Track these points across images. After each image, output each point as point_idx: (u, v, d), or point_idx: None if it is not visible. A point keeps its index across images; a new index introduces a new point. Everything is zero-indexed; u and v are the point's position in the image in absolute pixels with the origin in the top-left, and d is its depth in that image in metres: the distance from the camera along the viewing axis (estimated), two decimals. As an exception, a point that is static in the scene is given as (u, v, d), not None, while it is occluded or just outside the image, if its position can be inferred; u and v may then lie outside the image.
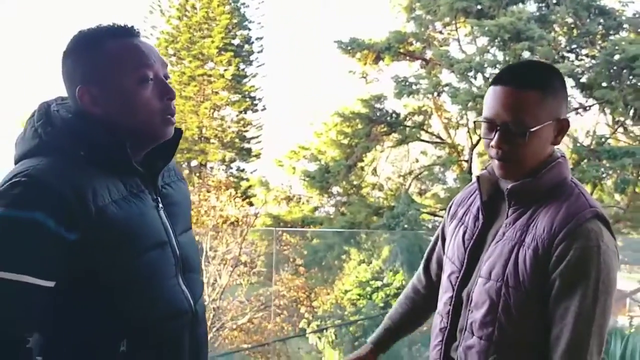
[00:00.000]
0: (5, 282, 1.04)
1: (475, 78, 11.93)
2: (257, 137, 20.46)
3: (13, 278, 1.05)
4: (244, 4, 20.28)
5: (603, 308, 1.27)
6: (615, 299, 1.31)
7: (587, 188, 11.10)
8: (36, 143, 1.17)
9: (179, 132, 1.28)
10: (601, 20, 12.37)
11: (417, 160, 14.94)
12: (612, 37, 12.09)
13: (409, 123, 13.48)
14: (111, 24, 1.22)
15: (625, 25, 12.33)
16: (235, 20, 19.90)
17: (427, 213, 13.70)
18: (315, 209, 14.63)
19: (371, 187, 14.63)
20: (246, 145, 20.30)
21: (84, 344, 1.15)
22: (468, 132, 12.84)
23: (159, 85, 1.22)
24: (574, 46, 12.70)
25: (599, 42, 12.37)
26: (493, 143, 1.34)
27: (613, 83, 11.34)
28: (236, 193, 11.72)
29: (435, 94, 12.81)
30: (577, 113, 12.13)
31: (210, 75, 19.43)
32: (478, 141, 11.78)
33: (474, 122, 1.45)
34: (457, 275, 1.45)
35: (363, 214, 13.00)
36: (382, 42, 12.94)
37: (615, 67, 11.27)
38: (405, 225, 11.40)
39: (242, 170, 20.20)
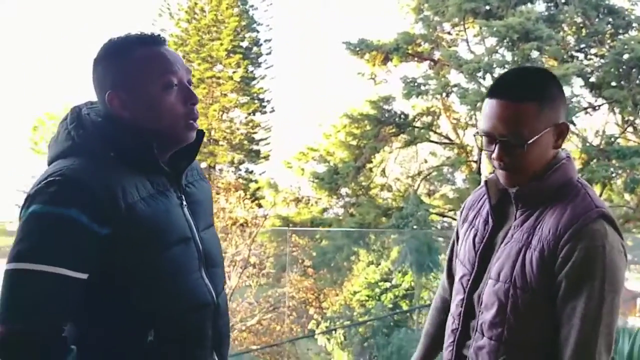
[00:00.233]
0: (43, 274, 1.12)
1: (484, 78, 11.91)
2: (266, 138, 20.50)
3: (51, 270, 1.12)
4: (252, 6, 20.36)
5: (610, 307, 1.28)
6: (625, 299, 1.33)
7: (597, 188, 11.12)
8: (69, 145, 1.24)
9: (201, 134, 1.35)
10: (610, 20, 12.34)
11: (425, 161, 14.92)
12: (621, 37, 12.05)
13: (417, 124, 13.49)
14: (139, 33, 1.29)
15: (634, 25, 12.28)
16: (243, 23, 19.97)
17: (436, 214, 13.68)
18: (324, 210, 14.65)
19: (380, 188, 14.61)
20: (255, 147, 20.34)
21: (113, 334, 1.22)
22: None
23: (183, 90, 1.29)
24: (582, 46, 12.67)
25: (608, 41, 12.33)
26: (494, 156, 1.36)
27: (622, 82, 11.32)
28: (245, 195, 11.77)
29: (444, 94, 12.81)
30: (586, 113, 12.09)
31: (219, 78, 19.50)
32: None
33: (474, 135, 1.48)
34: (468, 278, 1.47)
35: (372, 215, 13.01)
36: (390, 43, 12.96)
37: (624, 67, 11.25)
38: (414, 226, 11.38)
39: (251, 172, 20.23)
